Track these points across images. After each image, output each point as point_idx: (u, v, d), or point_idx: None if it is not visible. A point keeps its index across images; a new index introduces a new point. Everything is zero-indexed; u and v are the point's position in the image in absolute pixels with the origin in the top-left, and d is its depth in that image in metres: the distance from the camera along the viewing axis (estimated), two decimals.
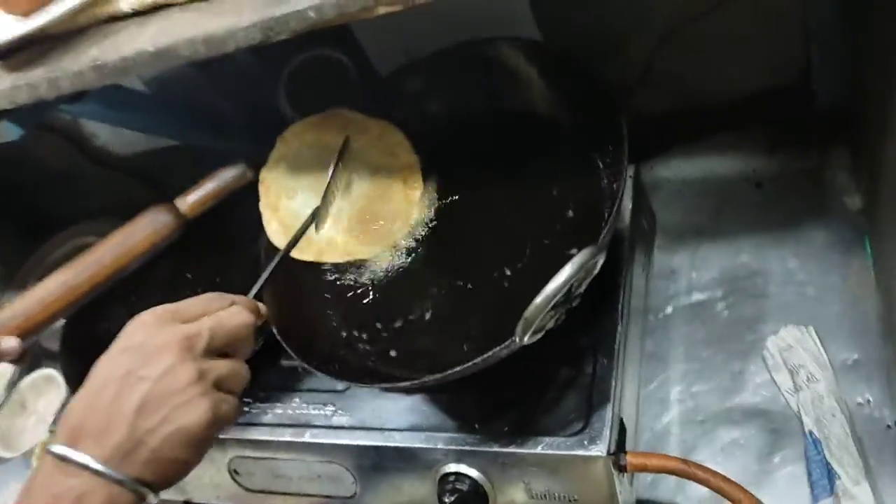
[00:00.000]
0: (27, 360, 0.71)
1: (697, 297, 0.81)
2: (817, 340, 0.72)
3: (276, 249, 0.73)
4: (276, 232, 0.76)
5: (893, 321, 0.68)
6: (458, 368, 0.56)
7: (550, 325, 0.54)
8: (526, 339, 0.52)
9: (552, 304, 0.50)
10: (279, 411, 0.76)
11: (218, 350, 0.54)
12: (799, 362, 0.71)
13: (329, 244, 0.76)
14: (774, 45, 0.82)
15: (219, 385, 0.53)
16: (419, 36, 0.82)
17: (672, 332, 0.79)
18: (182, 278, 0.95)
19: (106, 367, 0.52)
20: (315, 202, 0.75)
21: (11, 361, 0.69)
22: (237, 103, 0.98)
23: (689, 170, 0.89)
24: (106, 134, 1.25)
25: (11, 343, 0.67)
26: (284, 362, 0.81)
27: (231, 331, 0.55)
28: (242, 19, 0.53)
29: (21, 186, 1.29)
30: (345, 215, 0.77)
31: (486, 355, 0.55)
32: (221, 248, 0.95)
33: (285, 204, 0.78)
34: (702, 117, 0.89)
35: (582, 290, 0.54)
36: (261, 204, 0.78)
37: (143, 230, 0.76)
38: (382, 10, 0.50)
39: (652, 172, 0.90)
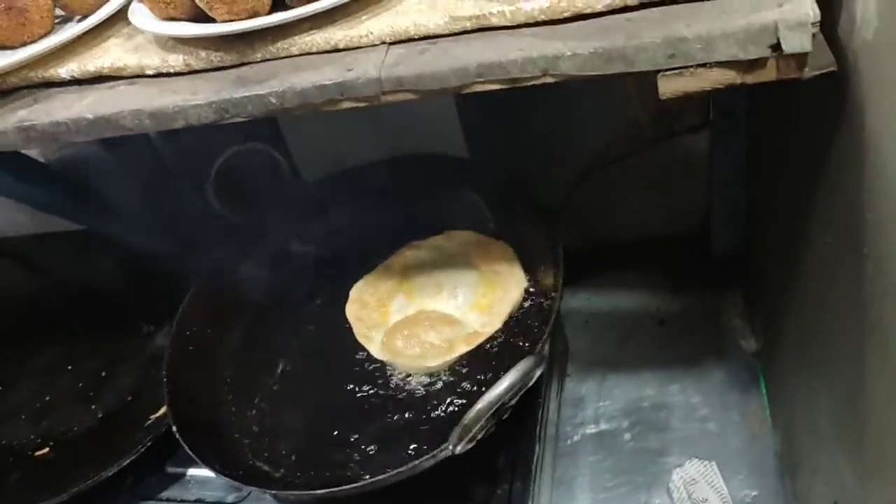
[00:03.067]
0: None
1: (604, 426, 0.81)
2: (720, 476, 0.73)
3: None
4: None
5: (789, 460, 0.71)
6: (380, 476, 0.53)
7: (481, 435, 0.53)
8: (460, 447, 0.51)
9: (492, 411, 0.49)
10: None
11: None
12: (703, 496, 0.72)
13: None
14: (680, 195, 0.89)
15: None
16: (349, 143, 0.83)
17: (580, 459, 0.79)
18: (61, 369, 0.87)
19: None
20: None
21: None
22: (143, 190, 0.95)
23: (597, 303, 0.92)
24: None
25: None
26: (170, 469, 0.74)
27: None
28: (197, 97, 0.52)
29: None
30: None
31: (412, 463, 0.53)
32: (108, 338, 0.88)
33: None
34: (610, 255, 0.94)
35: (515, 401, 0.54)
36: None
37: None
38: (347, 104, 0.51)
39: (562, 302, 0.92)
